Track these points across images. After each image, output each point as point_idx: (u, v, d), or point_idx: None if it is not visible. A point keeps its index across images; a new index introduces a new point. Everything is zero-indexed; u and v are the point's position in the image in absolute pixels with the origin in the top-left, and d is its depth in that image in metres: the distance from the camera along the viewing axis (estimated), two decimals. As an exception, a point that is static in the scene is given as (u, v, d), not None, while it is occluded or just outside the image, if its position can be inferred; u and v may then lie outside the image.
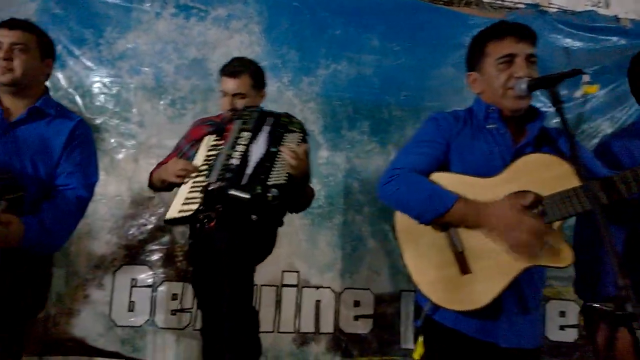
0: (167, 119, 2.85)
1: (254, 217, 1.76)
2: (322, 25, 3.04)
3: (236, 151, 1.88)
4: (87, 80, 2.84)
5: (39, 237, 1.65)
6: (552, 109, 1.45)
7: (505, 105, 1.48)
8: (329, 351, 2.96)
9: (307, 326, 2.95)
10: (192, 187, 1.90)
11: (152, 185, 2.22)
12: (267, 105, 2.27)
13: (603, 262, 1.45)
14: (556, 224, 1.35)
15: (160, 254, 2.86)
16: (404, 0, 3.18)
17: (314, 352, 2.95)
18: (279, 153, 1.86)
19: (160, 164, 2.23)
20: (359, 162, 3.05)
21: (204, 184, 1.84)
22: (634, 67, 1.70)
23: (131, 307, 2.82)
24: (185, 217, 1.82)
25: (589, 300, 1.53)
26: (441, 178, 1.45)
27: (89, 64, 2.83)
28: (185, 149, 2.22)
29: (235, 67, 2.14)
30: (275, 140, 1.91)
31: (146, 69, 2.88)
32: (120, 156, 2.86)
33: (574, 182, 1.31)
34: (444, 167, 1.51)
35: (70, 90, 2.81)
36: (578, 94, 3.19)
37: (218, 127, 2.07)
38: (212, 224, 1.77)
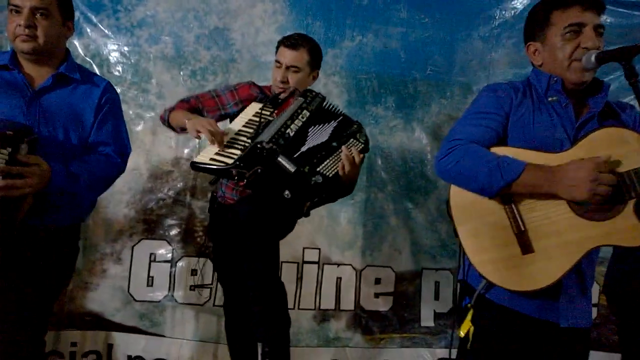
0: (187, 91, 2.75)
1: (287, 193, 1.72)
2: (349, -5, 2.93)
3: (295, 124, 1.85)
4: (104, 49, 2.74)
5: (65, 182, 1.65)
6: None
7: (568, 78, 1.41)
8: (349, 328, 2.96)
9: (328, 303, 2.94)
10: (230, 141, 1.84)
11: (167, 120, 2.15)
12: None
13: None
14: (630, 204, 1.29)
15: (179, 229, 2.83)
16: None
17: (334, 329, 2.95)
18: (338, 150, 1.85)
19: (188, 102, 2.17)
20: (382, 138, 2.99)
21: (248, 141, 1.80)
22: None
23: (150, 282, 2.79)
24: (217, 168, 1.76)
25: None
26: (502, 152, 1.38)
27: (106, 31, 2.73)
28: (228, 105, 2.17)
29: (296, 40, 2.11)
30: (339, 138, 1.90)
31: (166, 37, 2.78)
32: (139, 128, 2.79)
33: None
34: (502, 141, 1.44)
35: (88, 58, 2.73)
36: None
37: (274, 97, 2.03)
38: (242, 183, 1.72)
